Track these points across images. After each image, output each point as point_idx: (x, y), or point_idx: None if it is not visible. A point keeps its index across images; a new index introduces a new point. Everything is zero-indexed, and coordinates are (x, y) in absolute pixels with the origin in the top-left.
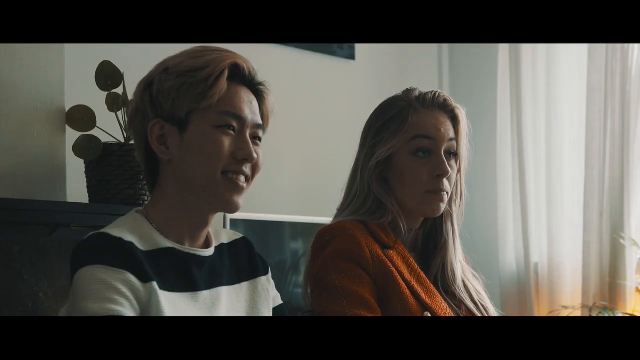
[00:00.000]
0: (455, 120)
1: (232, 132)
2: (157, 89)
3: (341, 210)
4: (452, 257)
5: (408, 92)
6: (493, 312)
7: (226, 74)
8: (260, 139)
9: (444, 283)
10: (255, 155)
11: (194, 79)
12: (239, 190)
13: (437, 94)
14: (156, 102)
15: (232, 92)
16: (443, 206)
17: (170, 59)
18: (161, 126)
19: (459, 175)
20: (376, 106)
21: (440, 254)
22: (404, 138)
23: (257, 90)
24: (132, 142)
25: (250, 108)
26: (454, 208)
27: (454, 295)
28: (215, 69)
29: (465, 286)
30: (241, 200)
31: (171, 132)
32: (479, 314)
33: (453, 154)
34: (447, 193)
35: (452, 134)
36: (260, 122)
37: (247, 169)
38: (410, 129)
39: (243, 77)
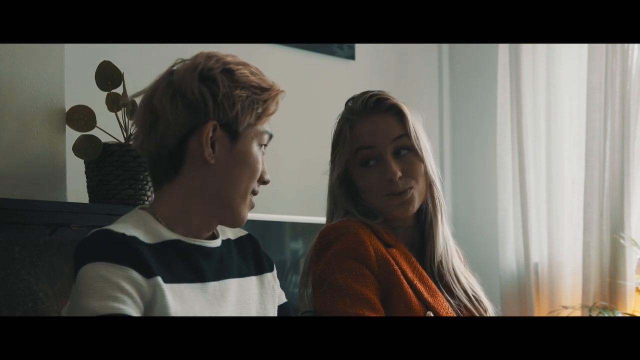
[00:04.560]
0: (399, 116)
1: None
2: (225, 92)
3: (329, 220)
4: (435, 245)
5: (346, 104)
6: (487, 303)
7: (280, 101)
8: None
9: (439, 273)
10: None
11: (258, 97)
12: (252, 208)
13: (367, 98)
14: (220, 104)
15: None
16: (410, 205)
17: (214, 56)
18: (214, 128)
19: (424, 164)
20: None
21: (427, 245)
22: (348, 153)
23: None
24: (131, 142)
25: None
26: (429, 199)
27: (449, 286)
28: (275, 93)
29: (457, 277)
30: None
31: (222, 137)
32: (470, 306)
33: (408, 149)
34: (412, 189)
35: (397, 131)
36: None
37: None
38: (350, 144)
39: None
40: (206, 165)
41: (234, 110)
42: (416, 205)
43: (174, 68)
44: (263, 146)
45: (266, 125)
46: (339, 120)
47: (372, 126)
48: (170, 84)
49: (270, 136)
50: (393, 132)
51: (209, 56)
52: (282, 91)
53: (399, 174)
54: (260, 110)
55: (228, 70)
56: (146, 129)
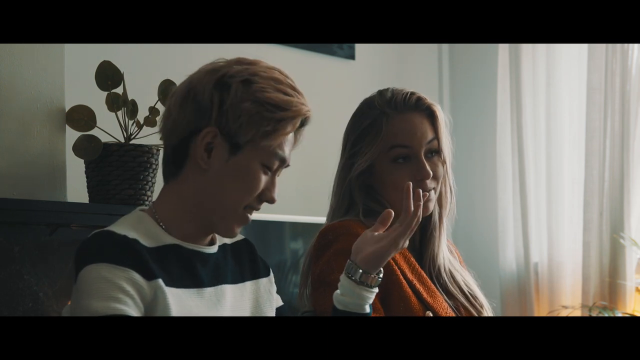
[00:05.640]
0: (432, 118)
1: (269, 172)
2: (232, 102)
3: (330, 220)
4: (436, 248)
5: (380, 96)
6: (482, 299)
7: (298, 125)
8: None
9: (438, 274)
10: (276, 199)
11: (270, 115)
12: (245, 223)
13: (408, 95)
14: (225, 113)
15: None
16: (432, 205)
17: (248, 66)
18: (214, 135)
19: (445, 169)
20: None
21: (428, 247)
22: (381, 148)
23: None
24: (132, 142)
25: (291, 149)
26: (443, 203)
27: (447, 286)
28: (293, 115)
29: (453, 276)
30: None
31: (221, 146)
32: (468, 304)
33: (435, 152)
34: (435, 190)
35: (430, 134)
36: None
37: (261, 205)
38: (385, 138)
39: (301, 126)
40: (202, 170)
41: (238, 121)
42: (432, 207)
43: (202, 68)
44: (270, 168)
45: (279, 148)
46: (370, 112)
47: (410, 126)
48: (189, 82)
49: (282, 161)
50: (428, 134)
51: (237, 62)
52: (304, 115)
53: (431, 174)
54: (269, 128)
55: (247, 81)
56: (163, 120)
